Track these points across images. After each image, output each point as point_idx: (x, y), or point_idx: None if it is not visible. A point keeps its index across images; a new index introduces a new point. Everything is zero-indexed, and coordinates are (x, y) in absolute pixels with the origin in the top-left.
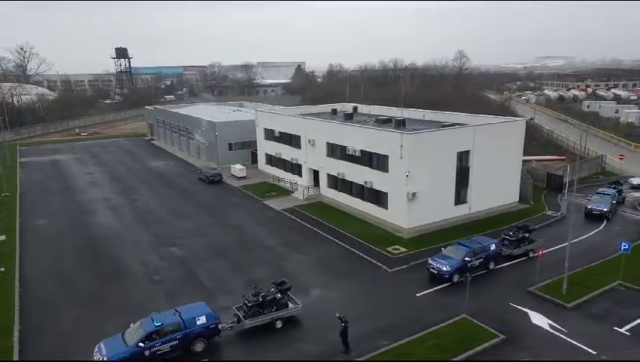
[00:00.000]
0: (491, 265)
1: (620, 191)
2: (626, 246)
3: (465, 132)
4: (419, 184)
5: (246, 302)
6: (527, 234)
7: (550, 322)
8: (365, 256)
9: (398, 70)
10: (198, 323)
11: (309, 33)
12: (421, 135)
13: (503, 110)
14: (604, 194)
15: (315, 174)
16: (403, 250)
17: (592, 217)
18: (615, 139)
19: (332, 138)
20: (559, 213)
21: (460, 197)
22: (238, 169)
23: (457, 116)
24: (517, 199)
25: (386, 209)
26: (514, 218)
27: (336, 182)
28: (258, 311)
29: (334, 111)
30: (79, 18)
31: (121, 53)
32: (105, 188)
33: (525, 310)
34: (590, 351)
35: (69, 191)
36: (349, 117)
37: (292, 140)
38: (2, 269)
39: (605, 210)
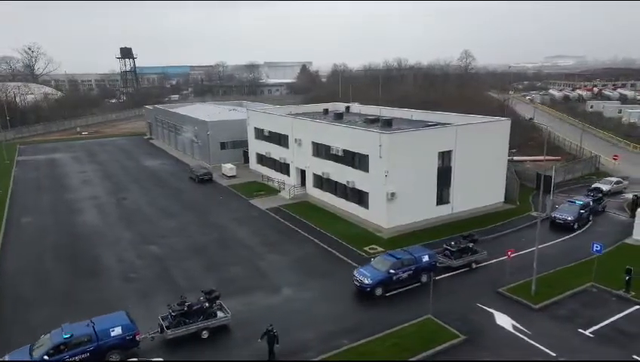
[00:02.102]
0: (424, 278)
1: (599, 199)
2: (598, 248)
3: (446, 132)
4: (398, 184)
5: (170, 311)
6: (470, 244)
7: (514, 323)
8: (341, 256)
9: (402, 70)
10: (113, 334)
11: (317, 33)
12: (399, 135)
13: (502, 110)
14: (573, 202)
15: (303, 174)
16: (380, 249)
17: (557, 226)
18: (614, 139)
19: (317, 137)
20: (544, 214)
21: (443, 198)
22: (228, 168)
23: (446, 116)
24: (502, 199)
25: (367, 209)
26: (498, 218)
27: (322, 182)
28: (182, 320)
29: (326, 111)
30: (86, 19)
31: (126, 53)
32: (96, 187)
33: (491, 311)
34: (550, 352)
35: (60, 190)
36: (339, 116)
37: (280, 140)
38: None
39: (569, 219)
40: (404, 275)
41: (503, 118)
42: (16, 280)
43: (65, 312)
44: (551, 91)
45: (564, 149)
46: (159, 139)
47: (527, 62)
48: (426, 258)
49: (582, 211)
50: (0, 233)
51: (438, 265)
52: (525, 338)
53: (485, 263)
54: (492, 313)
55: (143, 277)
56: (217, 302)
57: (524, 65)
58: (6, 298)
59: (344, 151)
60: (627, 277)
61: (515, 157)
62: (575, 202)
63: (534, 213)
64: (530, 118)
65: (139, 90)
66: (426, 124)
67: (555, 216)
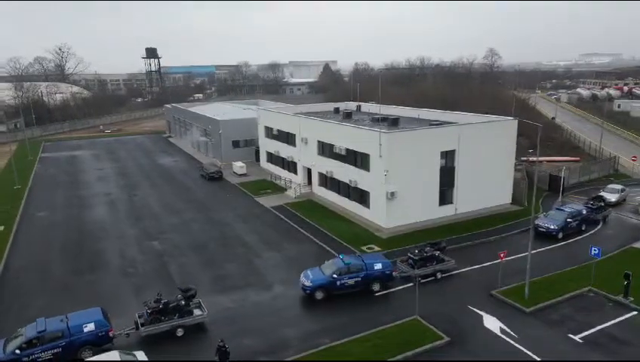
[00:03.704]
0: (376, 287)
1: (598, 209)
2: (596, 252)
3: (449, 131)
4: (398, 183)
5: (146, 308)
6: (437, 253)
7: (502, 326)
8: (337, 255)
9: (425, 68)
10: (85, 330)
11: (343, 33)
12: (399, 134)
13: (523, 109)
14: (562, 210)
15: (309, 172)
16: (377, 249)
17: (541, 235)
18: (638, 140)
19: (322, 136)
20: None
21: (445, 198)
22: (238, 166)
23: (455, 115)
24: (509, 200)
25: (369, 208)
26: (503, 220)
27: (326, 181)
28: (158, 317)
29: (337, 110)
30: (117, 20)
31: (151, 53)
32: (110, 183)
33: (481, 313)
34: (534, 356)
35: (75, 186)
36: (347, 115)
37: (288, 138)
38: None
39: (553, 227)
40: (351, 282)
41: (510, 118)
42: (20, 271)
43: (60, 304)
44: (578, 90)
45: (585, 150)
46: (177, 137)
47: (560, 60)
48: (378, 266)
49: (569, 220)
50: (13, 227)
51: (398, 275)
52: (511, 341)
53: (453, 272)
54: (481, 315)
55: (141, 272)
56: (195, 300)
57: (557, 63)
58: (7, 288)
59: (347, 150)
60: (625, 282)
61: (531, 158)
62: (564, 210)
63: (541, 215)
64: (553, 118)
65: (164, 89)
66: (430, 123)
67: (537, 224)
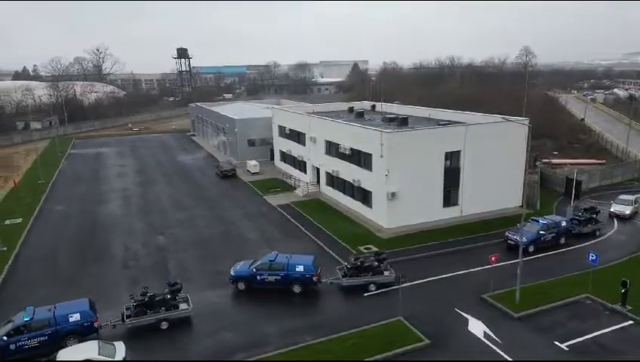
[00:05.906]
0: (296, 289)
1: (586, 221)
2: (594, 258)
3: (453, 131)
4: (400, 184)
5: (132, 301)
6: (375, 263)
7: (486, 330)
8: (333, 254)
9: (455, 67)
10: (71, 320)
11: (376, 32)
12: (401, 134)
13: (549, 109)
14: (537, 221)
15: (318, 171)
16: (374, 249)
17: (513, 249)
18: None
19: (329, 136)
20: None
21: (450, 199)
22: (252, 165)
23: (466, 115)
24: (519, 203)
25: (371, 208)
26: (510, 222)
27: (333, 180)
28: (143, 310)
29: (351, 110)
30: (152, 21)
31: (182, 53)
32: (128, 180)
33: (467, 316)
34: (508, 357)
35: (95, 181)
36: (360, 115)
37: (299, 137)
38: (4, 248)
39: (523, 240)
40: (271, 279)
41: (521, 119)
42: (29, 261)
43: (60, 294)
44: (615, 90)
45: (612, 152)
46: (199, 135)
47: (602, 59)
48: (299, 268)
49: (542, 232)
50: (31, 219)
51: (328, 281)
52: (492, 345)
53: (393, 287)
54: (467, 319)
55: (141, 265)
56: (183, 294)
57: (599, 62)
58: (15, 277)
59: (351, 149)
60: (623, 290)
61: (554, 160)
62: (539, 221)
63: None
64: (582, 119)
65: (195, 89)
66: (438, 123)
67: (507, 236)
